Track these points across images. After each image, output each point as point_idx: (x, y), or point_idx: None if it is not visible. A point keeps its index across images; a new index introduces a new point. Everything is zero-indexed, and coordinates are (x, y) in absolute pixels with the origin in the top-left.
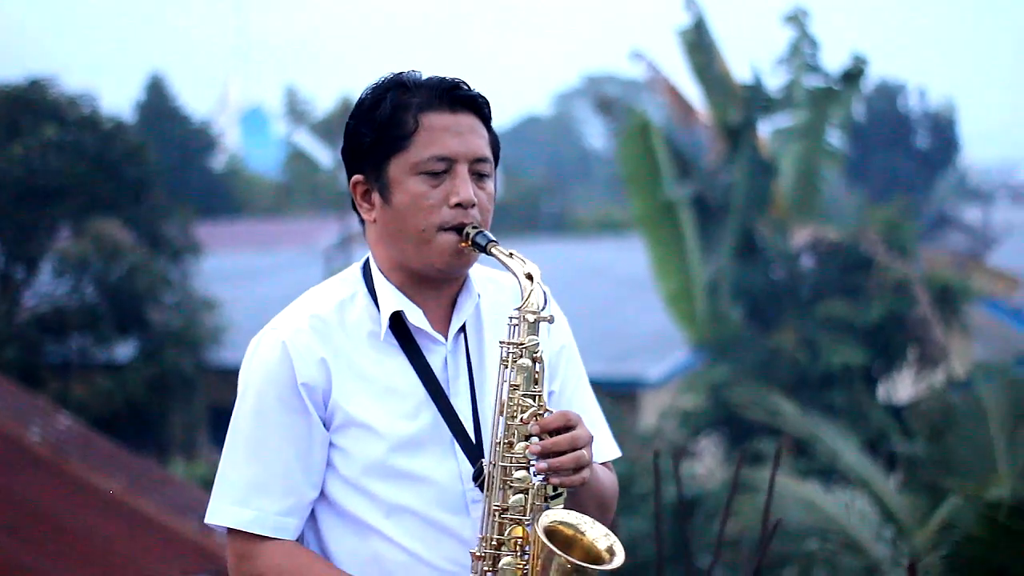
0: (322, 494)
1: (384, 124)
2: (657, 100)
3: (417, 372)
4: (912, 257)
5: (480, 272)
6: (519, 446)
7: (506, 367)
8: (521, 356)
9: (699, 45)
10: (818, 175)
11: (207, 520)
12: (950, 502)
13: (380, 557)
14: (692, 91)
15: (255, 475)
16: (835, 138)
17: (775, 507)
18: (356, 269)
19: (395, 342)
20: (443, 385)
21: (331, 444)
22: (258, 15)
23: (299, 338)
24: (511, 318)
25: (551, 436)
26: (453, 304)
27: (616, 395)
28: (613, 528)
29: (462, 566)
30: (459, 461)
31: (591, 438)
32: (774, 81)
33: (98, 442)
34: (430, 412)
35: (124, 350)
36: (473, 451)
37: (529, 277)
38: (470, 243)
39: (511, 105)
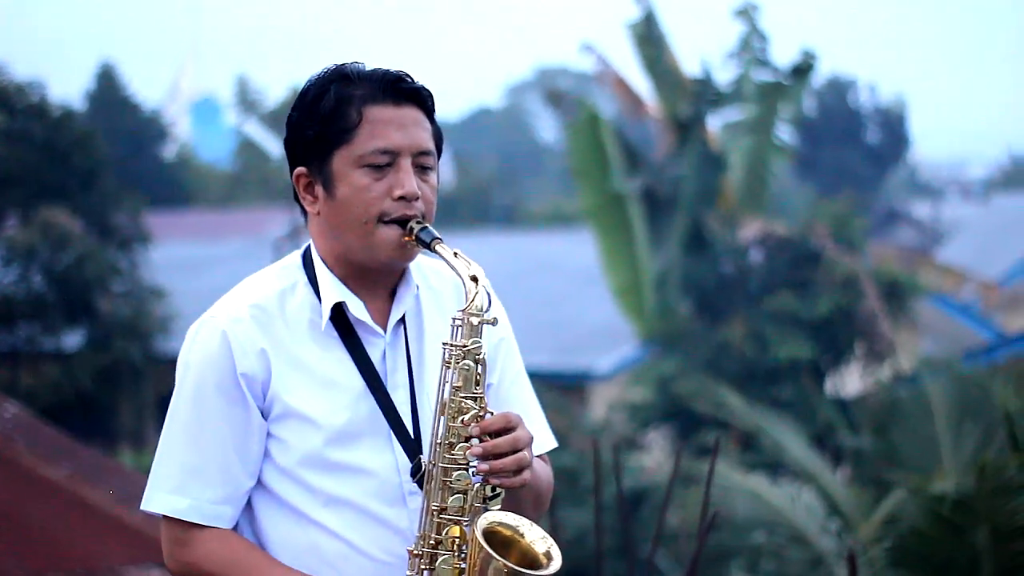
0: (259, 482)
1: (327, 117)
2: (608, 93)
3: (356, 364)
4: (860, 252)
5: (420, 261)
6: (459, 447)
7: (448, 368)
8: (464, 358)
9: (649, 38)
10: (767, 169)
11: (143, 507)
12: (895, 495)
13: (316, 546)
14: (643, 84)
15: (192, 463)
16: (785, 133)
17: (722, 500)
18: (296, 258)
19: (335, 333)
20: (382, 377)
21: (269, 434)
22: (210, 4)
23: (239, 328)
24: (454, 319)
25: (492, 438)
26: (393, 295)
27: (565, 387)
28: (556, 522)
29: (399, 557)
30: (396, 454)
31: (531, 439)
32: (724, 75)
33: (45, 431)
34: (368, 404)
35: (72, 339)
36: (411, 444)
37: (474, 279)
38: (414, 238)
39: (463, 97)
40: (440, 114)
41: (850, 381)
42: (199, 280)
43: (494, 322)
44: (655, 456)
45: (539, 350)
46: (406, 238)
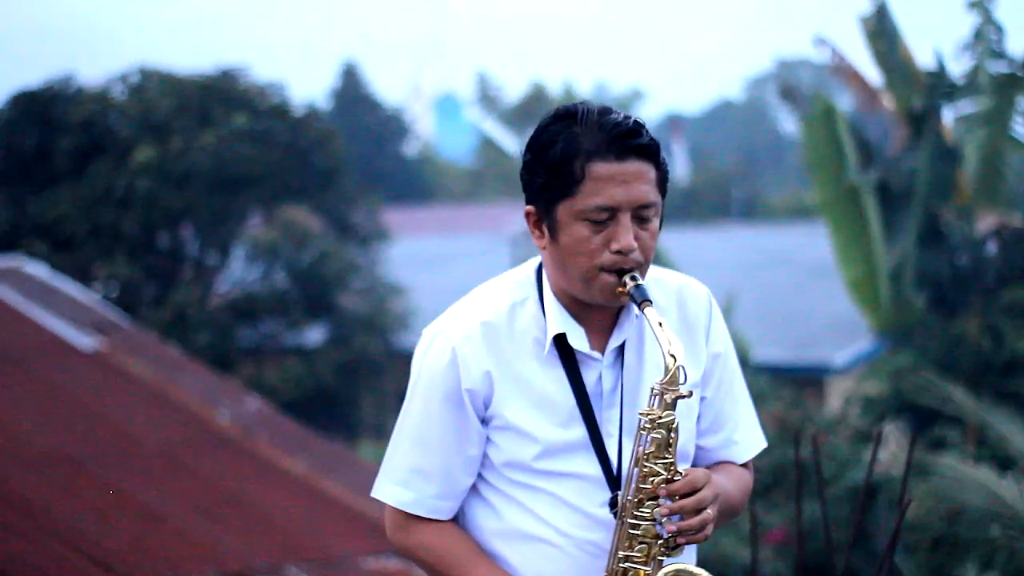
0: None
1: (554, 168)
2: (843, 86)
3: (572, 387)
4: None
5: (648, 275)
6: (648, 504)
7: (643, 433)
8: (657, 428)
9: (881, 31)
10: (1003, 162)
11: (373, 493)
12: None
13: (522, 531)
14: (876, 77)
15: (417, 462)
16: (1022, 125)
17: (956, 494)
18: (531, 272)
19: (556, 354)
20: (594, 399)
21: (488, 439)
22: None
23: (469, 347)
24: (652, 389)
25: (680, 499)
26: (616, 320)
27: (802, 381)
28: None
29: (601, 550)
30: (600, 470)
31: (716, 496)
32: (958, 67)
33: (285, 424)
34: (579, 425)
35: (314, 335)
36: (609, 467)
37: (673, 356)
38: (627, 292)
39: (705, 90)
40: (681, 107)
41: None
42: (439, 275)
43: (689, 395)
44: (890, 449)
45: (776, 343)
46: (620, 289)
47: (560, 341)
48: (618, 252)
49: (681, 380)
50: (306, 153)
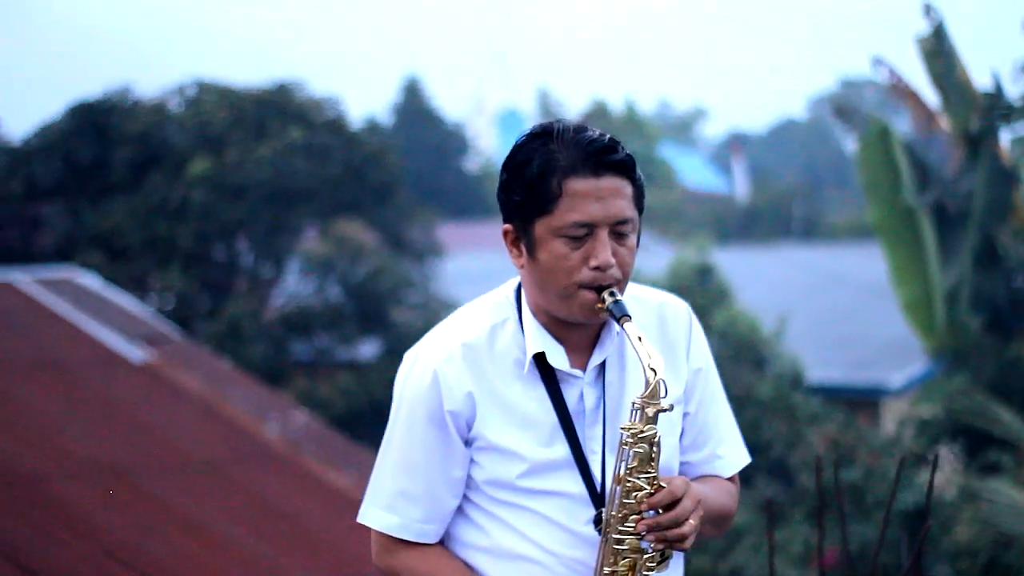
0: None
1: (530, 186)
2: (902, 107)
3: (553, 405)
4: None
5: (627, 291)
6: (632, 519)
7: (625, 448)
8: (639, 442)
9: (939, 52)
10: None
11: (359, 519)
12: None
13: (507, 549)
14: (933, 98)
15: (403, 486)
16: None
17: (1004, 520)
18: (510, 293)
19: (537, 374)
20: (576, 418)
21: (471, 459)
22: (514, 15)
23: (450, 368)
24: (633, 404)
25: (661, 512)
26: (597, 338)
27: (856, 402)
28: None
29: (586, 567)
30: (584, 488)
31: (696, 505)
32: (1015, 89)
33: (333, 439)
34: (562, 443)
35: (367, 349)
36: (592, 484)
37: (653, 370)
38: (606, 308)
39: (768, 109)
40: (744, 126)
41: None
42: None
43: (670, 408)
44: (944, 473)
45: (831, 364)
46: (599, 305)
47: (540, 360)
48: (596, 268)
49: (662, 393)
50: (361, 168)
